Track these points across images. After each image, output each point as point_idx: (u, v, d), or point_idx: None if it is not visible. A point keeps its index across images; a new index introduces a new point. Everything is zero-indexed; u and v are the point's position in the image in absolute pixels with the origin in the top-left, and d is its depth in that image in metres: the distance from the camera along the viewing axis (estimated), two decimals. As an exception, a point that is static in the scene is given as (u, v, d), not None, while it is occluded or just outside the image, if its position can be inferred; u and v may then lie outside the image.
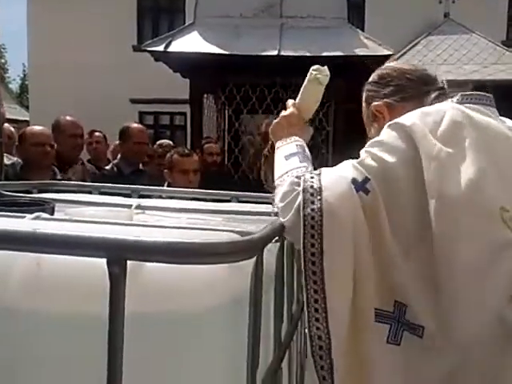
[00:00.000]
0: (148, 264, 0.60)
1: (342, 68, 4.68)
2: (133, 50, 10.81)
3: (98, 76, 11.07)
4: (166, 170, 2.95)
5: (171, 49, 4.53)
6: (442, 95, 1.30)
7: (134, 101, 11.53)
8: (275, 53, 4.46)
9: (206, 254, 0.60)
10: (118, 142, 3.97)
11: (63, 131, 3.26)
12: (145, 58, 4.94)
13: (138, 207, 1.39)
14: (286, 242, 1.15)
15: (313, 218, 0.92)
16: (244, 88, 4.84)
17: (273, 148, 1.38)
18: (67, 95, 10.60)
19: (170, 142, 4.31)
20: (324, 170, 1.07)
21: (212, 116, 5.44)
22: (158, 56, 4.65)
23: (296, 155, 1.26)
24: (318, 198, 0.95)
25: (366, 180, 1.00)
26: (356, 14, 11.54)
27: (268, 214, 1.50)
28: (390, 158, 1.01)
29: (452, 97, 1.25)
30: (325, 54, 4.51)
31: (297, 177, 1.05)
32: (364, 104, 1.43)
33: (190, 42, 4.64)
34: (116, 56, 11.07)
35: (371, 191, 0.99)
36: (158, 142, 4.24)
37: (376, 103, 1.34)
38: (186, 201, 1.86)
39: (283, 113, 1.46)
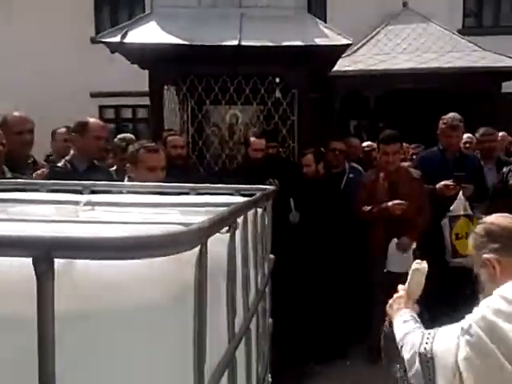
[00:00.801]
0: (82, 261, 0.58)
1: (304, 57, 4.70)
2: (91, 42, 10.56)
3: (56, 70, 10.78)
4: (128, 165, 2.82)
5: (128, 40, 4.41)
6: None
7: (93, 95, 11.29)
8: (236, 43, 4.42)
9: (137, 248, 0.57)
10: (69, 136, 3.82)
11: (10, 128, 3.16)
12: (104, 49, 4.82)
13: (88, 203, 1.35)
14: (237, 232, 1.14)
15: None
16: (206, 79, 4.80)
17: (390, 323, 1.83)
18: (23, 90, 10.27)
19: (132, 136, 4.24)
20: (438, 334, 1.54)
21: (174, 108, 5.37)
22: (114, 47, 4.53)
23: (410, 320, 1.71)
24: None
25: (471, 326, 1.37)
26: (318, 5, 11.60)
27: (226, 205, 1.51)
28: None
29: None
30: (286, 43, 4.51)
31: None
32: (473, 250, 1.71)
33: (148, 33, 4.53)
34: (74, 49, 10.79)
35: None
36: (119, 136, 4.18)
37: (487, 256, 1.57)
38: (144, 195, 1.82)
39: (396, 295, 1.91)
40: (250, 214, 1.36)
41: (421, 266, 1.89)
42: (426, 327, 1.65)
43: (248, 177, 2.54)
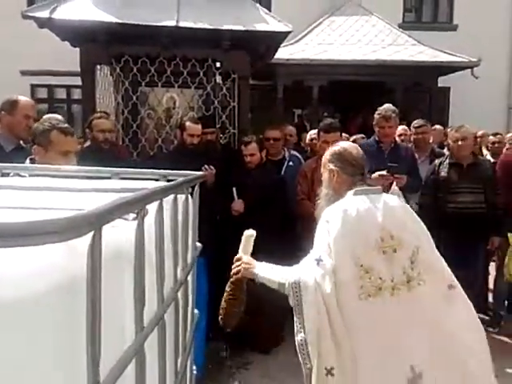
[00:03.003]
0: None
1: (243, 42, 4.61)
2: (22, 18, 9.95)
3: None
4: (35, 146, 2.53)
5: (57, 15, 4.18)
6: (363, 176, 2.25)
7: (24, 72, 10.72)
8: (173, 24, 4.28)
9: (13, 236, 0.52)
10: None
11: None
12: (36, 26, 4.54)
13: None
14: (151, 218, 1.06)
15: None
16: (141, 60, 4.62)
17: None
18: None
19: (59, 117, 3.99)
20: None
21: (108, 89, 5.16)
22: (42, 23, 4.27)
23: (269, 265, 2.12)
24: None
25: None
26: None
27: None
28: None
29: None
30: (225, 27, 4.41)
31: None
32: (327, 162, 2.30)
33: (79, 9, 4.30)
34: (4, 23, 10.14)
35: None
36: (44, 117, 3.95)
37: (332, 167, 2.24)
38: (59, 179, 1.69)
39: (239, 259, 2.22)
40: (168, 199, 1.28)
41: (250, 232, 2.31)
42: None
43: (183, 163, 2.40)
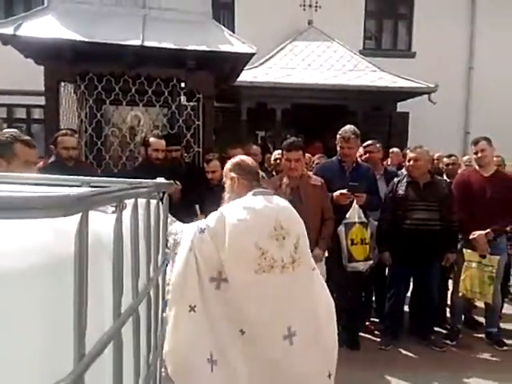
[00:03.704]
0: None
1: (208, 63, 4.70)
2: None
3: None
4: None
5: (21, 32, 4.17)
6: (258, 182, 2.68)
7: (-16, 92, 10.52)
8: (138, 43, 4.33)
9: (12, 209, 0.56)
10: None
11: None
12: (-2, 46, 4.52)
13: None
14: (126, 215, 1.10)
15: None
16: (106, 78, 4.64)
17: None
18: None
19: (17, 131, 3.94)
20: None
21: (72, 106, 5.15)
22: (6, 39, 4.25)
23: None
24: None
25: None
26: (226, 18, 11.75)
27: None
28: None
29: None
30: (190, 47, 4.49)
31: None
32: (227, 171, 2.72)
33: (44, 26, 4.31)
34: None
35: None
36: (13, 133, 3.90)
37: (233, 174, 2.66)
38: (28, 186, 1.70)
39: None
40: (142, 201, 1.33)
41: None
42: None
43: (148, 179, 2.45)
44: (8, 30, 4.19)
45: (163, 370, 1.73)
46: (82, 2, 4.59)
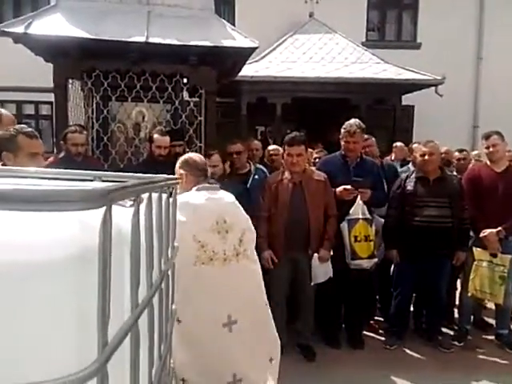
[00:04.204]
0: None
1: (210, 58, 4.76)
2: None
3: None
4: (4, 152, 2.59)
5: (31, 31, 4.25)
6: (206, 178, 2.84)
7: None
8: (143, 39, 4.39)
9: (41, 202, 0.59)
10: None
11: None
12: (5, 42, 4.58)
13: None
14: (141, 206, 1.16)
15: None
16: (112, 75, 4.71)
17: None
18: None
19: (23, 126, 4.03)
20: None
21: (79, 103, 5.23)
22: (17, 38, 4.34)
23: None
24: None
25: None
26: (226, 12, 11.73)
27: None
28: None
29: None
30: (193, 42, 4.54)
31: None
32: (178, 169, 2.86)
33: (53, 25, 4.39)
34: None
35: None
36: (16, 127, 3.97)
37: (182, 171, 2.80)
38: (43, 180, 1.77)
39: None
40: (155, 195, 1.39)
41: None
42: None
43: (152, 174, 2.57)
44: (19, 29, 4.28)
45: (172, 361, 1.81)
46: (88, 0, 4.66)
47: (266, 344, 2.88)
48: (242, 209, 2.85)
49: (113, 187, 0.79)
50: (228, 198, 2.82)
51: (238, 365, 2.73)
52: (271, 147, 5.71)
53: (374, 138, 5.35)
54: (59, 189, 0.61)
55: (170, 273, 1.75)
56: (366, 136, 5.19)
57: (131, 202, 1.08)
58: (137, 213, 1.07)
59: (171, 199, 1.80)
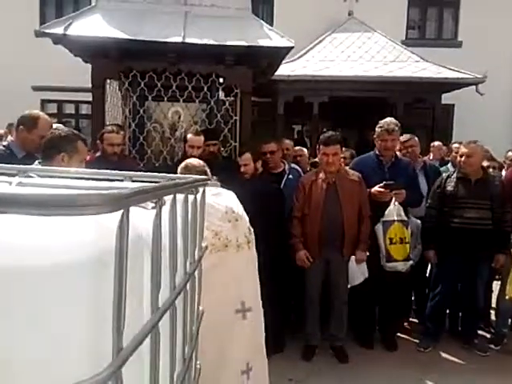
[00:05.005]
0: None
1: (246, 58, 4.76)
2: (35, 36, 10.20)
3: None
4: (63, 153, 2.65)
5: (71, 32, 4.35)
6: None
7: (36, 88, 10.96)
8: (180, 40, 4.43)
9: (54, 206, 0.59)
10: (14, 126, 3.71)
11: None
12: (48, 43, 4.71)
13: (20, 184, 1.33)
14: (165, 210, 1.16)
15: None
16: (148, 75, 4.78)
17: None
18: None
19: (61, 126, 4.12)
20: None
21: (116, 103, 5.33)
22: (57, 39, 4.45)
23: None
24: None
25: None
26: (265, 11, 11.75)
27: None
28: None
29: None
30: (229, 42, 4.56)
31: None
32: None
33: (91, 26, 4.48)
34: (18, 42, 10.42)
35: None
36: (54, 126, 4.06)
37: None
38: (76, 180, 1.80)
39: None
40: (180, 197, 1.39)
41: None
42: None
43: None
44: (58, 30, 4.37)
45: (198, 362, 1.81)
46: (126, 1, 4.73)
47: (261, 330, 3.00)
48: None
49: (130, 191, 0.79)
50: (229, 192, 2.93)
51: (250, 352, 2.82)
52: (296, 148, 5.67)
53: (416, 138, 5.26)
54: (74, 193, 0.61)
55: (196, 274, 1.76)
56: (408, 136, 5.16)
57: (153, 204, 1.09)
58: (158, 215, 1.07)
59: (199, 200, 1.80)
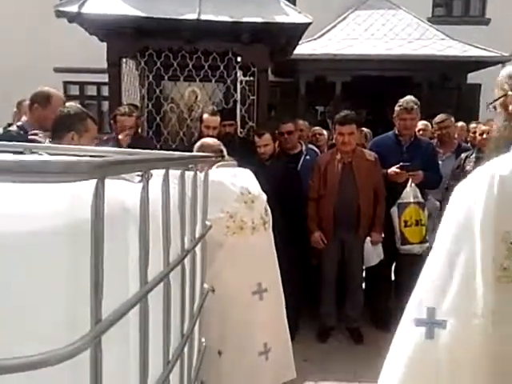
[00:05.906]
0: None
1: (263, 35, 4.68)
2: (56, 16, 10.24)
3: (20, 44, 10.54)
4: (73, 132, 2.64)
5: (85, 10, 4.33)
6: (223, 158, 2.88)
7: (57, 70, 11.04)
8: (195, 17, 4.38)
9: (27, 173, 0.59)
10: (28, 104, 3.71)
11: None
12: (70, 25, 4.70)
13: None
14: (157, 183, 1.14)
15: None
16: (164, 53, 4.74)
17: None
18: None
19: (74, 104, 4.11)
20: None
21: (134, 82, 5.31)
22: (71, 17, 4.43)
23: None
24: None
25: None
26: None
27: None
28: None
29: None
30: (245, 19, 4.48)
31: None
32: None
33: (106, 3, 4.44)
34: (38, 22, 10.50)
35: None
36: (68, 104, 4.07)
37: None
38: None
39: None
40: (176, 172, 1.37)
41: None
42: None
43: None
44: (73, 8, 4.35)
45: (203, 339, 1.80)
46: (141, -22, 4.67)
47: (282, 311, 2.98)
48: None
49: (107, 160, 0.76)
50: (246, 172, 2.91)
51: (268, 334, 2.82)
52: (314, 128, 5.61)
53: (453, 118, 5.14)
54: (45, 159, 0.61)
55: (198, 251, 1.73)
56: (444, 116, 5.11)
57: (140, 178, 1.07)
58: (145, 188, 1.05)
59: (200, 177, 1.78)
